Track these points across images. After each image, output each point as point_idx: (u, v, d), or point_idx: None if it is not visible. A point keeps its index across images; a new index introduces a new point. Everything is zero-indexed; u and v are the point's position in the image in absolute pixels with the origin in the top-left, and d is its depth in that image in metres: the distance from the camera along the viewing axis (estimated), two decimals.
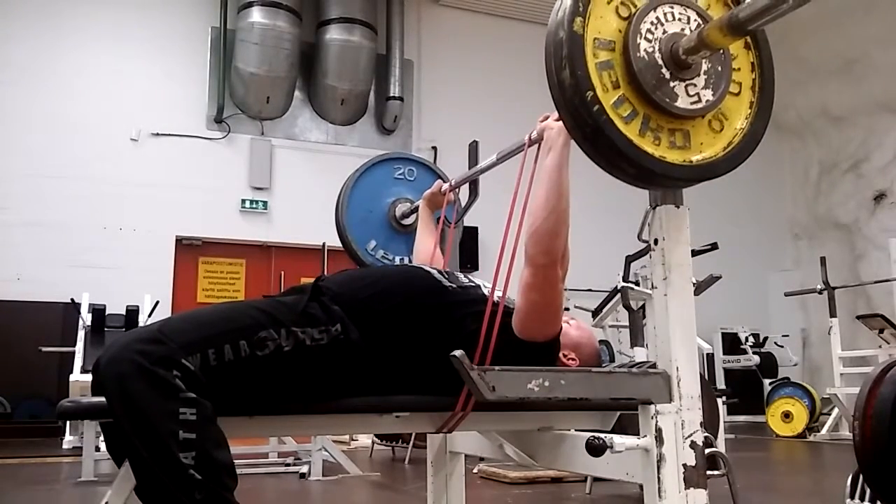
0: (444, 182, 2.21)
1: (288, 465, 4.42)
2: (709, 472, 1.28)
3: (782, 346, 8.45)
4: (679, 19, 1.18)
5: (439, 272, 1.59)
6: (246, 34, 7.67)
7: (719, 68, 1.21)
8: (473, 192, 2.29)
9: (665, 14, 1.17)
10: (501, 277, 1.42)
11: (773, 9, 1.03)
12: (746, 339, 8.11)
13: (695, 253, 3.04)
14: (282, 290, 1.52)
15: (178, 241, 7.69)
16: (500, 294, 1.49)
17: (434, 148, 8.70)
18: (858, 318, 6.60)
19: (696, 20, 1.19)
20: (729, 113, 1.23)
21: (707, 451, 1.29)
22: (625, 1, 1.17)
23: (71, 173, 7.26)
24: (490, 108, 8.68)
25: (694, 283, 1.38)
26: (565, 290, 1.53)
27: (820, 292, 6.82)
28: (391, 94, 8.47)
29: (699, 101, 1.18)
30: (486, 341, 1.35)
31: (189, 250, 7.79)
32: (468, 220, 2.49)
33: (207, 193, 7.72)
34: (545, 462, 1.58)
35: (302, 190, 8.08)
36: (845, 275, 8.46)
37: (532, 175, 1.47)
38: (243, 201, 7.92)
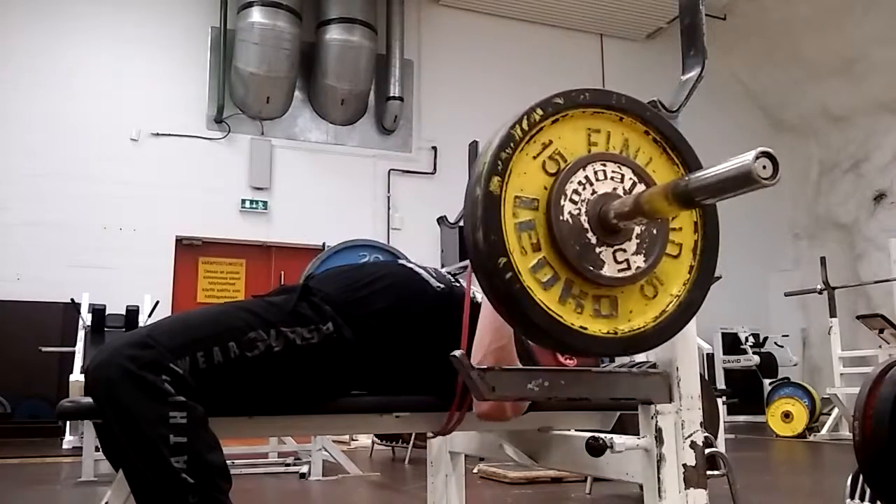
0: (408, 263, 2.18)
1: (288, 465, 4.42)
2: (709, 472, 1.28)
3: (782, 346, 8.46)
4: (612, 178, 1.07)
5: (427, 271, 1.59)
6: (246, 34, 7.68)
7: (654, 231, 1.09)
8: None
9: (596, 172, 1.06)
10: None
11: (732, 188, 0.90)
12: (746, 339, 8.12)
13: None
14: (270, 291, 1.51)
15: (178, 241, 7.69)
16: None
17: (434, 148, 8.71)
18: (858, 318, 6.60)
19: (630, 179, 1.07)
20: (665, 277, 1.12)
21: (707, 451, 1.29)
22: (553, 156, 1.06)
23: (71, 173, 7.27)
24: (490, 109, 8.65)
25: None
26: None
27: (820, 292, 6.82)
28: (391, 94, 8.47)
29: (628, 268, 1.06)
30: (471, 339, 1.35)
31: (189, 250, 7.79)
32: None
33: (207, 193, 7.73)
34: (545, 462, 1.57)
35: (302, 190, 8.09)
36: (845, 275, 8.46)
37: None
38: (243, 201, 7.92)
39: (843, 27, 8.95)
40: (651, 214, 1.01)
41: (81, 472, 3.98)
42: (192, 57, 7.99)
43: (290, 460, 4.49)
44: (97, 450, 3.97)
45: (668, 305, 1.11)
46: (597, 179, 1.06)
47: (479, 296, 1.46)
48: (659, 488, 1.21)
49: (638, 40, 9.89)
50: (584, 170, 1.06)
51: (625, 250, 1.06)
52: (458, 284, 1.59)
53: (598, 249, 1.05)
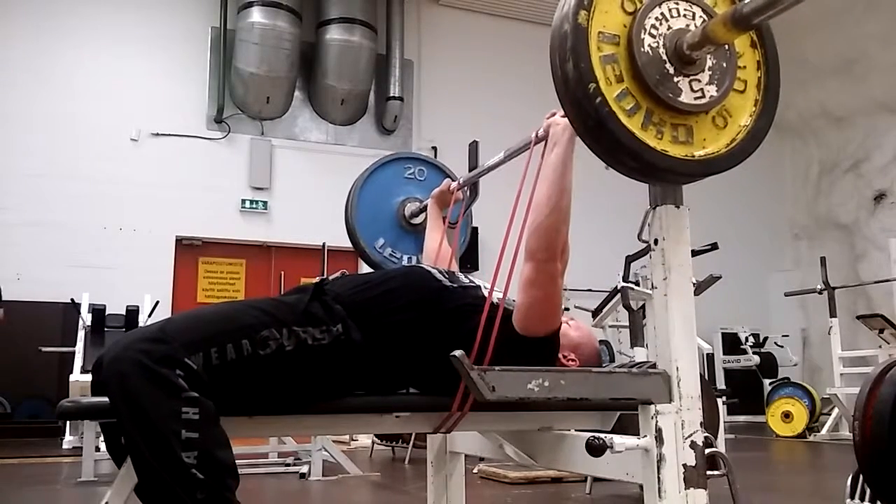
0: (454, 181, 2.21)
1: (288, 465, 4.42)
2: (709, 472, 1.28)
3: (782, 346, 8.46)
4: (684, 15, 1.18)
5: (440, 272, 1.60)
6: (246, 34, 7.68)
7: (724, 64, 1.20)
8: (473, 192, 2.30)
9: (670, 10, 1.17)
10: (503, 277, 1.41)
11: (778, 2, 1.03)
12: (746, 339, 8.11)
13: (695, 253, 3.04)
14: (282, 291, 1.53)
15: (178, 241, 7.69)
16: (501, 294, 1.49)
17: (434, 148, 8.70)
18: (858, 318, 6.60)
19: (701, 16, 1.19)
20: (733, 110, 1.23)
21: (707, 451, 1.29)
22: None
23: (71, 173, 7.27)
24: (490, 108, 8.68)
25: (694, 283, 1.38)
26: (565, 289, 1.53)
27: (820, 292, 6.82)
28: (391, 94, 8.47)
29: (703, 96, 1.18)
30: (485, 340, 1.35)
31: (189, 250, 7.79)
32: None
33: (207, 193, 7.73)
34: (545, 462, 1.58)
35: (302, 190, 8.09)
36: (845, 275, 8.46)
37: (537, 172, 1.47)
38: (243, 201, 7.92)
39: (843, 27, 8.95)
40: (716, 41, 1.12)
41: (81, 472, 3.98)
42: (192, 57, 7.98)
43: (290, 460, 4.49)
44: (97, 450, 3.97)
45: (737, 134, 1.22)
46: (671, 16, 1.17)
47: (496, 298, 1.46)
48: (659, 488, 1.22)
49: None
50: (659, 7, 1.17)
51: (699, 80, 1.18)
52: (471, 284, 1.59)
53: (675, 79, 1.16)
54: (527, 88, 9.25)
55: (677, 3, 1.18)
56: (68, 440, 5.52)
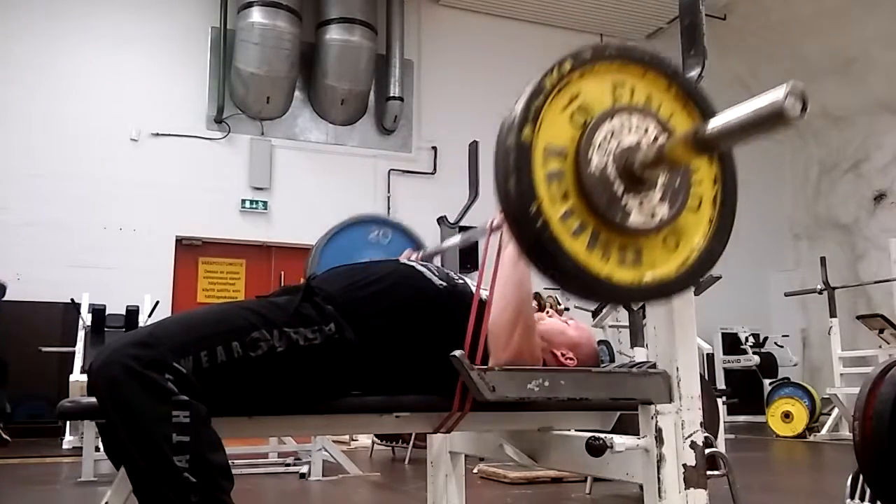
0: (418, 248, 2.16)
1: (288, 465, 4.42)
2: (709, 472, 1.28)
3: (782, 347, 8.46)
4: (636, 130, 1.10)
5: (431, 271, 1.59)
6: (246, 34, 7.68)
7: (677, 182, 1.12)
8: (474, 193, 2.29)
9: (622, 124, 1.09)
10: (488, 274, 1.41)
11: (748, 130, 0.92)
12: (746, 339, 8.12)
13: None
14: (273, 291, 1.52)
15: (178, 241, 7.69)
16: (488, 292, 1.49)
17: (434, 148, 8.71)
18: (858, 318, 6.60)
19: (654, 131, 1.11)
20: (686, 229, 1.15)
21: (707, 451, 1.29)
22: (581, 108, 1.09)
23: (71, 173, 7.27)
24: (490, 109, 8.62)
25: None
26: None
27: (820, 292, 6.82)
28: (391, 94, 8.47)
29: (653, 217, 1.10)
30: (475, 339, 1.35)
31: (189, 250, 7.79)
32: (468, 222, 2.49)
33: (207, 193, 7.73)
34: (545, 462, 1.58)
35: (302, 190, 8.09)
36: (845, 275, 8.46)
37: (495, 265, 1.44)
38: (243, 201, 7.92)
39: (843, 27, 8.95)
40: (673, 162, 1.05)
41: (81, 472, 3.98)
42: (192, 57, 7.99)
43: (290, 460, 4.49)
44: (97, 450, 3.97)
45: (689, 257, 1.14)
46: (622, 131, 1.09)
47: (485, 294, 1.46)
48: (659, 488, 1.22)
49: (638, 40, 9.88)
50: (609, 122, 1.09)
51: (650, 200, 1.10)
52: (461, 282, 1.59)
53: (624, 199, 1.08)
54: None
55: (630, 117, 1.09)
56: (68, 440, 5.51)
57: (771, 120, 0.87)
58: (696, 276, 1.14)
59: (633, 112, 1.10)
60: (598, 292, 1.09)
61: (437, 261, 2.20)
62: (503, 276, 1.41)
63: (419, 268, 1.60)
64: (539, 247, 1.04)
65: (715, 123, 0.97)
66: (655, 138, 1.10)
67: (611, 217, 1.07)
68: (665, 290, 1.13)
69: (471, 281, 1.62)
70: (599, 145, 1.07)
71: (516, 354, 1.39)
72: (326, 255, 2.30)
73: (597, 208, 1.06)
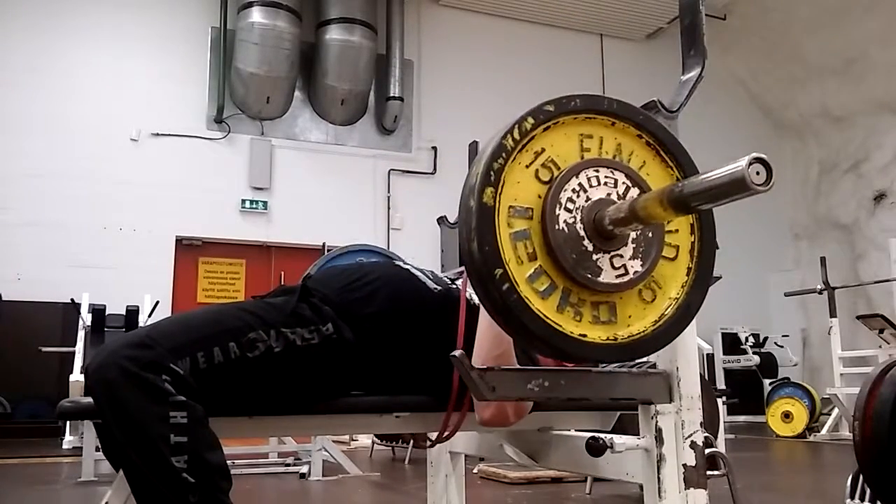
0: None
1: (288, 465, 4.42)
2: (709, 472, 1.28)
3: (782, 346, 8.46)
4: (605, 183, 1.05)
5: (423, 273, 1.59)
6: (246, 34, 7.68)
7: (650, 234, 1.07)
8: None
9: (589, 178, 1.04)
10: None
11: (726, 194, 0.88)
12: (746, 339, 8.12)
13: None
14: (269, 291, 1.51)
15: (178, 241, 7.70)
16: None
17: (434, 148, 8.71)
18: (858, 318, 6.60)
19: (624, 183, 1.06)
20: (663, 280, 1.11)
21: (707, 451, 1.29)
22: (546, 164, 1.05)
23: (71, 173, 7.27)
24: (490, 109, 8.67)
25: None
26: None
27: (820, 292, 6.82)
28: (391, 94, 8.47)
29: (626, 273, 1.05)
30: (469, 339, 1.35)
31: (189, 250, 7.79)
32: None
33: (207, 193, 7.73)
34: (545, 462, 1.57)
35: (302, 190, 8.09)
36: (845, 275, 8.46)
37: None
38: (243, 201, 7.93)
39: (843, 27, 8.95)
40: (647, 220, 1.00)
41: (81, 472, 3.98)
42: (192, 57, 7.99)
43: (290, 460, 4.49)
44: (97, 450, 3.97)
45: (666, 309, 1.09)
46: (590, 186, 1.05)
47: (475, 299, 1.46)
48: (659, 488, 1.22)
49: (638, 40, 9.89)
50: (577, 177, 1.04)
51: (621, 255, 1.05)
52: (454, 286, 1.59)
53: (594, 256, 1.04)
54: (527, 88, 9.25)
55: (597, 171, 1.05)
56: (68, 440, 5.52)
57: (734, 188, 0.84)
58: (675, 330, 1.10)
59: (601, 165, 1.06)
60: (571, 353, 1.04)
61: (437, 262, 2.20)
62: (481, 330, 1.39)
63: (414, 271, 1.60)
64: (506, 310, 1.00)
65: (692, 183, 0.93)
66: (626, 191, 1.06)
67: (581, 277, 1.02)
68: (643, 346, 1.08)
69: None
70: (567, 202, 1.03)
71: (498, 410, 1.38)
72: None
73: (566, 268, 1.02)
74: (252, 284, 7.97)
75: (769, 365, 8.33)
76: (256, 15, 7.65)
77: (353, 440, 5.95)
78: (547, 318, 1.01)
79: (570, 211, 1.03)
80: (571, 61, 9.33)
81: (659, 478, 1.22)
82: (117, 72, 7.68)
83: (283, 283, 7.89)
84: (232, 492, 1.24)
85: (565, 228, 1.03)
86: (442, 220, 8.01)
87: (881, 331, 6.30)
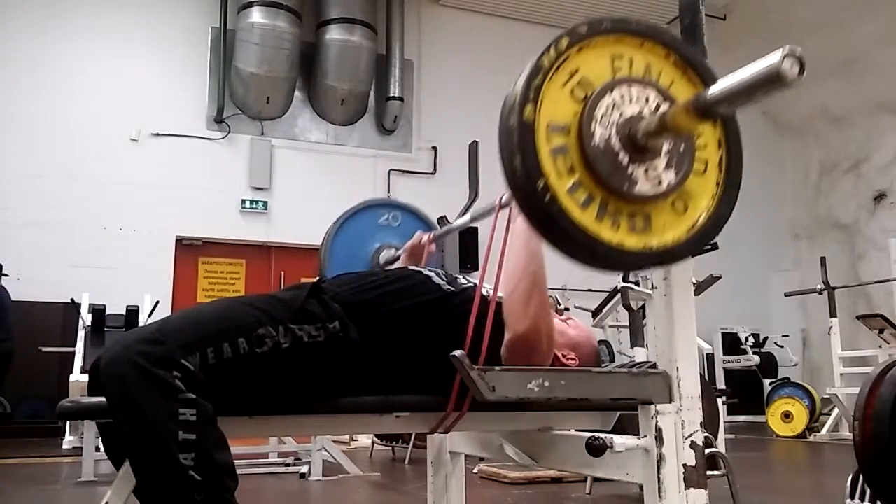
0: (428, 231, 2.17)
1: (288, 465, 4.42)
2: (709, 472, 1.28)
3: (782, 347, 8.46)
4: (637, 100, 1.11)
5: (439, 276, 1.60)
6: (246, 34, 7.68)
7: (682, 148, 1.13)
8: (474, 193, 2.30)
9: (622, 96, 1.10)
10: (491, 275, 1.41)
11: (749, 92, 0.94)
12: (746, 339, 8.12)
13: (695, 253, 3.04)
14: (281, 288, 1.53)
15: (178, 241, 7.70)
16: (492, 291, 1.49)
17: (434, 148, 8.71)
18: (858, 318, 6.60)
19: (655, 100, 1.12)
20: (693, 193, 1.17)
21: (707, 451, 1.29)
22: (581, 83, 1.10)
23: (71, 173, 7.27)
24: (490, 109, 8.55)
25: (694, 283, 1.37)
26: (565, 289, 1.52)
27: (820, 292, 6.82)
28: (391, 94, 8.47)
29: (660, 184, 1.11)
30: (478, 339, 1.35)
31: (189, 250, 7.79)
32: None
33: (207, 193, 7.73)
34: (545, 462, 1.57)
35: (302, 190, 8.09)
36: (845, 275, 8.46)
37: (504, 239, 1.45)
38: (243, 201, 7.93)
39: (843, 27, 8.95)
40: (675, 130, 1.07)
41: (81, 472, 3.98)
42: (192, 57, 7.99)
43: (290, 460, 4.49)
44: (97, 450, 3.97)
45: (698, 219, 1.16)
46: (623, 102, 1.10)
47: (486, 292, 1.46)
48: (659, 488, 1.22)
49: None
50: (610, 94, 1.10)
51: (655, 167, 1.11)
52: (469, 286, 1.59)
53: (629, 168, 1.10)
54: None
55: (630, 88, 1.11)
56: (68, 440, 5.52)
57: (769, 83, 0.89)
58: (706, 238, 1.16)
59: (632, 83, 1.11)
60: (611, 260, 1.11)
61: (438, 257, 2.22)
62: (516, 248, 1.42)
63: (426, 272, 1.61)
64: (549, 221, 1.06)
65: (715, 89, 0.99)
66: (657, 107, 1.11)
67: (617, 187, 1.09)
68: (676, 253, 1.15)
69: (484, 285, 1.63)
70: (601, 118, 1.09)
71: (533, 324, 1.40)
72: (338, 241, 2.34)
73: (603, 179, 1.08)
74: (252, 284, 7.97)
75: (769, 365, 8.33)
76: (256, 15, 7.65)
77: (353, 440, 5.95)
78: (587, 227, 1.07)
79: (604, 126, 1.09)
80: None
81: (659, 478, 1.22)
82: (117, 72, 7.68)
83: (283, 282, 7.91)
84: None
85: (601, 143, 1.09)
86: (442, 220, 8.00)
87: (881, 331, 6.30)
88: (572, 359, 1.62)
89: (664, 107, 1.11)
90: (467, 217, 1.84)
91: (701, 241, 1.16)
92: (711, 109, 1.01)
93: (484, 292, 1.45)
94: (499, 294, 1.42)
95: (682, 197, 1.16)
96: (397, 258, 2.22)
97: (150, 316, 5.82)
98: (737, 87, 0.95)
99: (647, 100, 1.11)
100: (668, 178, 1.12)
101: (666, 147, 1.12)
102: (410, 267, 1.75)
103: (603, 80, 1.11)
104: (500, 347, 1.40)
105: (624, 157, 1.09)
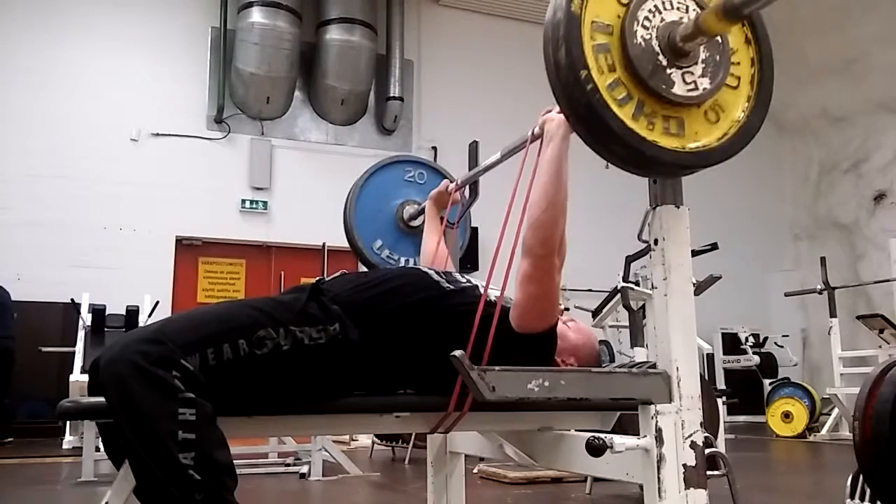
0: (452, 182, 2.21)
1: (288, 465, 4.42)
2: (709, 472, 1.28)
3: (782, 347, 8.45)
4: (677, 8, 1.18)
5: (437, 273, 1.60)
6: (246, 34, 7.68)
7: (717, 58, 1.20)
8: (473, 192, 2.30)
9: (663, 2, 1.18)
10: (500, 275, 1.41)
11: None
12: (746, 339, 8.11)
13: (695, 253, 3.04)
14: (282, 290, 1.53)
15: (178, 241, 7.69)
16: (498, 292, 1.49)
17: (434, 148, 8.70)
18: (858, 318, 6.60)
19: (694, 9, 1.19)
20: (725, 105, 1.23)
21: (707, 451, 1.29)
22: None
23: (71, 173, 7.27)
24: (490, 108, 8.68)
25: (694, 283, 1.38)
26: (564, 289, 1.52)
27: (820, 292, 6.82)
28: (391, 94, 8.47)
29: (696, 89, 1.18)
30: (482, 339, 1.35)
31: (189, 250, 7.79)
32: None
33: (207, 193, 7.73)
34: (545, 462, 1.58)
35: (302, 190, 8.09)
36: (845, 275, 8.46)
37: (534, 171, 1.47)
38: (243, 201, 7.92)
39: (843, 27, 8.95)
40: (708, 32, 1.13)
41: (81, 472, 3.98)
42: (192, 57, 7.98)
43: (290, 460, 4.49)
44: (97, 450, 3.97)
45: (729, 129, 1.22)
46: (665, 9, 1.18)
47: (493, 296, 1.47)
48: (659, 488, 1.22)
49: None
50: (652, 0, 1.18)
51: (692, 72, 1.18)
52: (468, 284, 1.59)
53: (668, 71, 1.16)
54: (527, 88, 9.23)
55: None
56: (68, 440, 5.51)
57: None
58: (736, 146, 1.21)
59: None
60: (646, 156, 1.14)
61: (464, 205, 2.24)
62: (545, 175, 1.44)
63: (426, 270, 1.61)
64: (590, 111, 1.10)
65: None
66: (695, 15, 1.17)
67: (655, 87, 1.14)
68: (708, 156, 1.19)
69: (479, 283, 1.63)
70: (644, 20, 1.15)
71: (550, 251, 1.42)
72: (364, 194, 2.36)
73: (642, 79, 1.14)
74: (252, 284, 7.97)
75: (769, 365, 8.33)
76: (256, 15, 7.65)
77: (353, 440, 5.95)
78: (625, 121, 1.12)
79: (646, 28, 1.16)
80: None
81: (659, 478, 1.22)
82: (117, 72, 7.67)
83: (283, 282, 7.91)
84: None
85: (642, 43, 1.15)
86: (441, 220, 8.00)
87: (881, 331, 6.30)
88: (572, 364, 1.62)
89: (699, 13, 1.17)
90: (497, 155, 1.86)
91: (732, 149, 1.21)
92: (737, 10, 1.08)
93: (492, 297, 1.45)
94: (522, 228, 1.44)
95: (714, 108, 1.22)
96: (422, 211, 2.25)
97: (150, 316, 5.81)
98: None
99: (686, 8, 1.19)
100: (704, 83, 1.18)
101: (703, 55, 1.19)
102: (412, 265, 1.76)
103: None
104: (504, 348, 1.39)
105: (663, 60, 1.16)
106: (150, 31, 7.84)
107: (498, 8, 9.22)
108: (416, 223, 2.34)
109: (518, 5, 9.16)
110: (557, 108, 1.45)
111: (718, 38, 1.20)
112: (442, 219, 2.18)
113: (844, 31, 8.95)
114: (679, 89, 1.16)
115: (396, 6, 8.65)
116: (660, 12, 1.17)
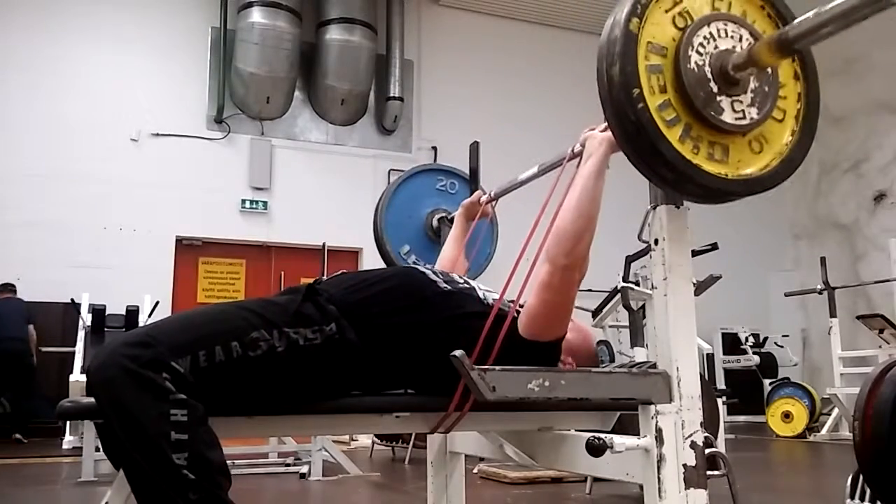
0: (484, 194, 2.21)
1: (288, 465, 4.42)
2: (709, 472, 1.28)
3: (782, 347, 8.46)
4: (731, 36, 1.21)
5: (435, 273, 1.59)
6: (246, 34, 7.68)
7: (766, 89, 1.23)
8: (474, 192, 2.29)
9: (718, 30, 1.20)
10: (517, 281, 1.41)
11: (819, 28, 1.08)
12: (746, 339, 8.11)
13: (695, 253, 3.04)
14: (281, 288, 1.53)
15: (178, 241, 7.69)
16: (496, 295, 1.49)
17: (434, 148, 8.70)
18: (858, 318, 6.60)
19: (747, 39, 1.22)
20: (770, 136, 1.25)
21: (707, 451, 1.29)
22: (682, 12, 1.20)
23: (71, 173, 7.27)
24: (490, 108, 8.68)
25: (694, 283, 1.38)
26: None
27: (820, 292, 6.82)
28: (391, 94, 8.47)
29: (744, 117, 1.20)
30: (489, 343, 1.34)
31: (189, 250, 7.79)
32: None
33: (207, 193, 7.73)
34: (545, 462, 1.57)
35: (302, 190, 8.09)
36: (845, 275, 8.46)
37: (567, 187, 1.47)
38: (243, 201, 7.92)
39: None
40: (760, 63, 1.16)
41: (81, 472, 3.98)
42: (192, 57, 7.98)
43: (290, 460, 4.49)
44: (97, 450, 3.97)
45: (772, 160, 1.24)
46: (719, 37, 1.21)
47: (491, 299, 1.46)
48: (659, 488, 1.22)
49: None
50: (708, 27, 1.20)
51: (741, 101, 1.20)
52: (465, 286, 1.59)
53: (718, 98, 1.19)
54: (527, 88, 9.25)
55: (726, 24, 1.21)
56: (68, 440, 5.52)
57: (867, 6, 1.07)
58: (778, 178, 1.24)
59: (729, 20, 1.22)
60: (691, 179, 1.16)
61: (489, 226, 2.25)
62: (580, 188, 1.45)
63: (423, 269, 1.61)
64: (639, 127, 1.12)
65: (793, 25, 1.12)
66: (748, 45, 1.20)
67: (705, 112, 1.16)
68: (753, 185, 1.21)
69: (476, 284, 1.63)
70: (698, 46, 1.18)
71: (574, 264, 1.42)
72: (396, 199, 2.39)
73: (692, 103, 1.16)
74: (252, 284, 7.97)
75: (769, 365, 8.33)
76: (256, 15, 7.65)
77: (353, 440, 5.95)
78: (672, 142, 1.14)
79: (700, 54, 1.19)
80: (571, 61, 9.31)
81: (659, 478, 1.22)
82: (117, 72, 7.67)
83: (283, 282, 7.91)
84: (232, 492, 1.25)
85: (695, 68, 1.18)
86: (442, 220, 8.00)
87: (881, 331, 6.30)
88: (570, 363, 1.62)
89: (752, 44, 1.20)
90: (534, 170, 1.86)
91: (773, 181, 1.23)
92: (790, 44, 1.12)
93: (490, 301, 1.45)
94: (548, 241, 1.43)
95: (758, 138, 1.24)
96: (452, 218, 2.25)
97: (150, 316, 5.82)
98: (809, 25, 1.08)
99: (740, 37, 1.22)
100: (752, 113, 1.21)
101: (752, 84, 1.21)
102: (408, 265, 1.75)
103: (703, 13, 1.22)
104: (509, 354, 1.38)
105: (714, 86, 1.18)
106: (150, 31, 7.84)
107: (498, 8, 9.22)
108: (443, 234, 2.36)
109: (518, 5, 9.16)
110: (600, 127, 1.46)
111: (769, 69, 1.22)
112: (467, 230, 2.17)
113: (844, 32, 8.93)
114: (728, 117, 1.18)
115: (396, 6, 8.65)
116: (714, 39, 1.19)
